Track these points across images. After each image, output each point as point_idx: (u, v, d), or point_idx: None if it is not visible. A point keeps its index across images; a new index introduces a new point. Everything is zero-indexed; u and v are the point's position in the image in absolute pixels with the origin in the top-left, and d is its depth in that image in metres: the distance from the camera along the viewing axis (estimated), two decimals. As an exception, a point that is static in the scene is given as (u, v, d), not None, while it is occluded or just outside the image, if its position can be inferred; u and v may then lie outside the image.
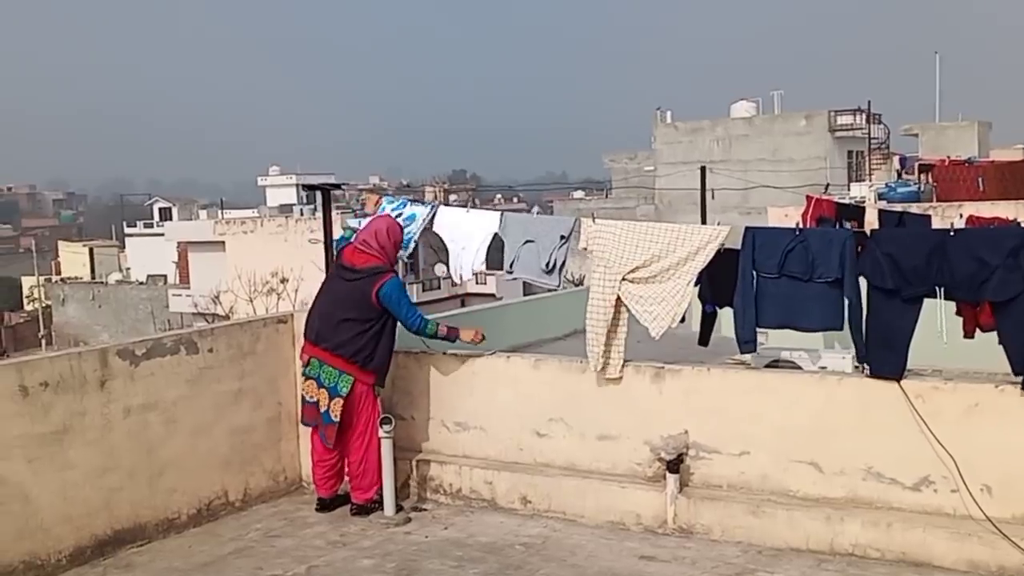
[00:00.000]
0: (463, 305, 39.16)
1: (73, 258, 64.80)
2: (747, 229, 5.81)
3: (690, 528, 5.50)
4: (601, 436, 5.89)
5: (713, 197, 27.65)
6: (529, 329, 10.80)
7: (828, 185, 28.69)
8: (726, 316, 6.34)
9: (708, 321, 6.48)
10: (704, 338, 6.58)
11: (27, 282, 60.92)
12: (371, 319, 5.83)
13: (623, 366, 5.82)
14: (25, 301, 60.67)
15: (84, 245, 67.36)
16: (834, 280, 5.49)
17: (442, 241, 6.84)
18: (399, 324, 5.94)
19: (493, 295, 40.28)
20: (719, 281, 6.00)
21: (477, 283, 43.29)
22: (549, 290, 7.47)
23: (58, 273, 61.96)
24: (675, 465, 5.53)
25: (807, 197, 10.45)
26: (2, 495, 4.93)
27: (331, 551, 5.44)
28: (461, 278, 7.12)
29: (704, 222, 18.08)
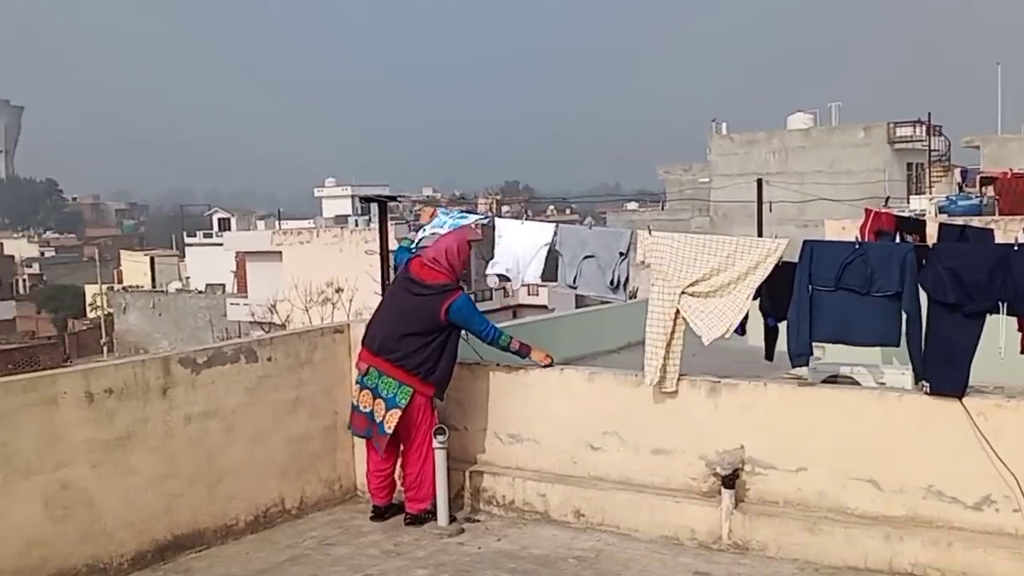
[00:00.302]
0: (515, 316, 39.22)
1: (135, 267, 66.15)
2: (805, 242, 5.75)
3: (745, 544, 5.44)
4: (656, 450, 5.86)
5: (771, 210, 27.36)
6: (583, 341, 10.78)
7: (888, 198, 28.22)
8: (784, 330, 6.28)
9: (771, 335, 6.42)
10: (769, 352, 6.51)
11: (90, 290, 62.29)
12: (436, 335, 5.90)
13: (679, 380, 5.79)
14: (88, 309, 62.03)
15: (145, 254, 68.72)
16: (893, 294, 5.41)
17: (492, 250, 6.90)
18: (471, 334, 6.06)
19: (545, 307, 40.27)
20: (779, 295, 5.94)
21: (529, 294, 43.34)
22: (602, 302, 7.46)
23: (120, 281, 63.25)
24: (731, 480, 5.48)
25: (866, 210, 10.30)
26: (67, 499, 5.06)
27: (385, 560, 5.48)
28: (503, 279, 7.13)
29: (760, 235, 17.90)
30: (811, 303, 5.62)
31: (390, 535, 5.87)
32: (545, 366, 6.16)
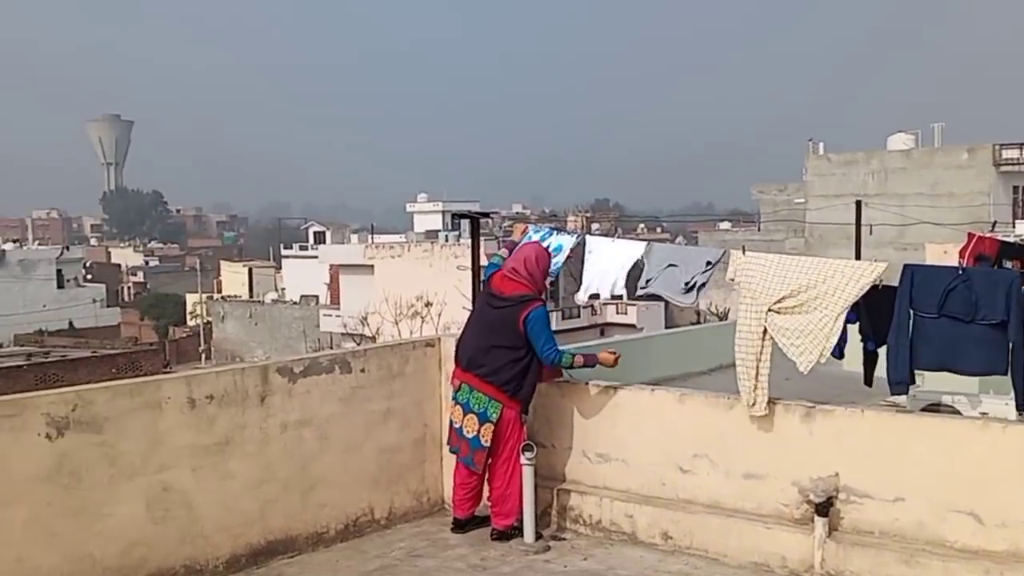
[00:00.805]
0: (602, 334, 39.04)
1: (233, 277, 68.09)
2: (905, 266, 5.61)
3: (838, 574, 5.30)
4: (747, 475, 5.76)
5: (871, 232, 26.68)
6: (673, 362, 10.67)
7: (996, 223, 27.23)
8: (884, 356, 6.12)
9: (870, 360, 6.27)
10: (868, 378, 6.35)
11: (191, 299, 64.41)
12: (521, 347, 5.91)
13: (769, 403, 5.69)
14: (188, 317, 64.12)
15: (244, 265, 70.67)
16: (999, 322, 5.23)
17: (582, 266, 6.90)
18: None
19: (633, 325, 40.01)
20: (879, 319, 5.81)
21: (617, 312, 43.12)
22: (695, 322, 7.37)
23: (219, 291, 65.18)
24: (824, 508, 5.36)
25: (968, 234, 9.98)
26: (168, 501, 5.23)
27: (471, 574, 5.51)
28: (593, 297, 7.14)
29: (859, 257, 17.48)
30: (912, 329, 5.47)
31: (476, 549, 5.90)
32: (613, 365, 6.09)
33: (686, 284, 6.22)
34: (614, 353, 6.13)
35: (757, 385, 5.66)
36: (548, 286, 7.14)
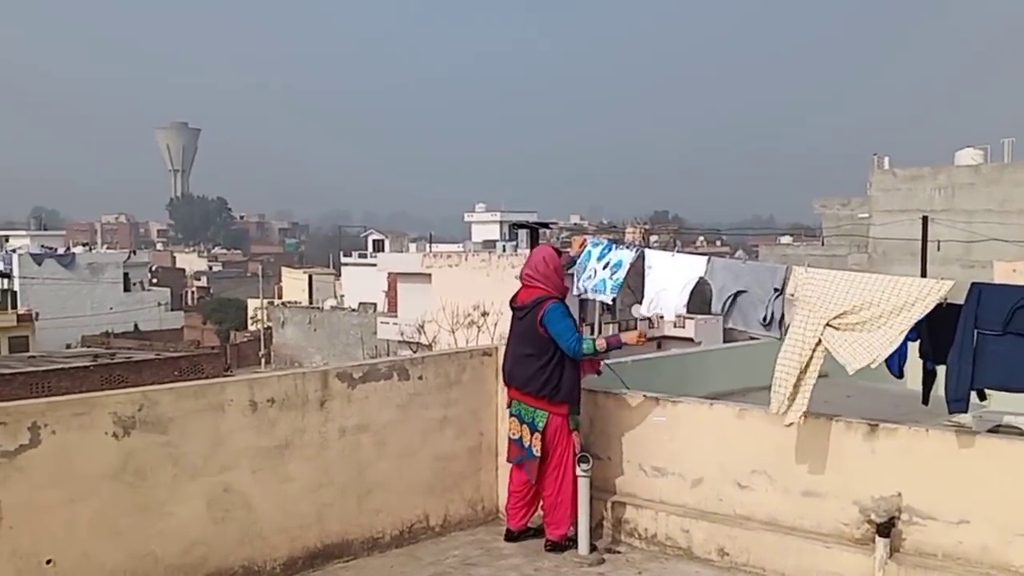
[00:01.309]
0: (659, 348, 38.78)
1: (294, 283, 69.08)
2: (973, 284, 5.48)
3: (899, 597, 5.19)
4: (806, 492, 5.67)
5: (938, 249, 26.12)
6: (732, 377, 10.53)
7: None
8: (943, 376, 5.96)
9: (929, 379, 6.13)
10: (926, 396, 6.22)
11: (252, 304, 65.41)
12: (547, 350, 5.93)
13: (804, 415, 5.56)
14: (249, 321, 65.11)
15: (304, 272, 71.63)
16: (1069, 342, 5.08)
17: (641, 281, 6.84)
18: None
19: (691, 339, 39.66)
20: (940, 337, 5.67)
21: (675, 326, 42.76)
22: (751, 337, 7.27)
23: (280, 297, 66.18)
24: (886, 529, 5.25)
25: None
26: (228, 502, 5.32)
27: (525, 584, 5.51)
28: (657, 317, 7.10)
29: (924, 274, 17.14)
30: (975, 347, 5.34)
31: (530, 560, 5.89)
32: (639, 342, 6.29)
33: (763, 320, 6.13)
34: (638, 331, 6.41)
35: (796, 395, 5.55)
36: (608, 304, 7.11)
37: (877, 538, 5.26)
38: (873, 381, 6.43)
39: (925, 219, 20.95)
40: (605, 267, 6.74)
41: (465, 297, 37.35)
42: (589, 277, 6.82)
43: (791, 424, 5.57)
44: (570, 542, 5.96)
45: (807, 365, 5.57)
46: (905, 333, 5.44)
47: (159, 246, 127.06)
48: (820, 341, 5.56)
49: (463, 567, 5.79)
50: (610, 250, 6.94)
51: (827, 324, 5.54)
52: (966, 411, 5.61)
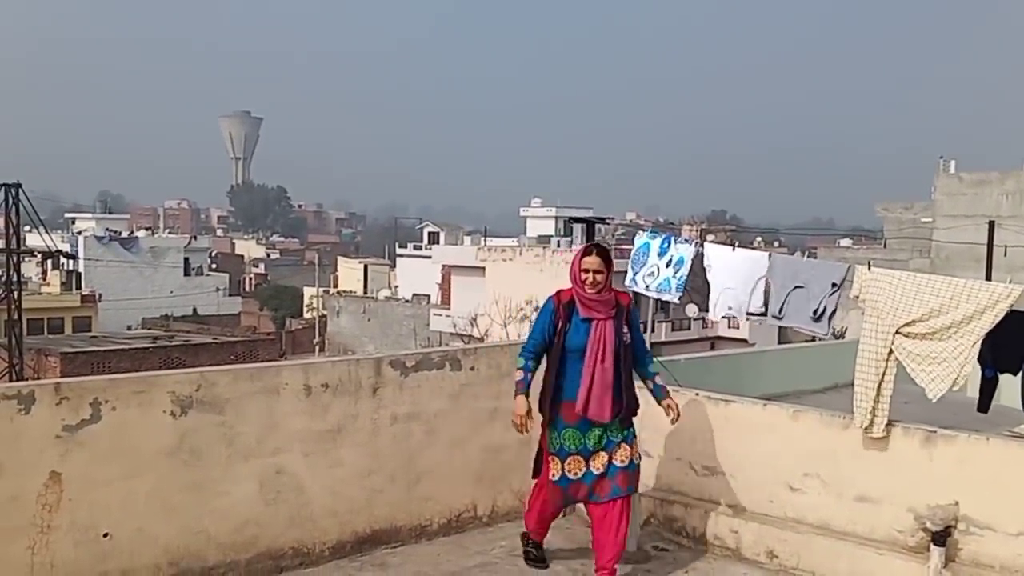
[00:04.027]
0: (713, 348, 38.42)
1: (349, 273, 69.78)
2: (1043, 290, 5.34)
3: (954, 608, 5.08)
4: (859, 497, 5.58)
5: (1005, 254, 25.46)
6: (786, 379, 10.43)
7: None
8: (1006, 383, 5.84)
9: (989, 387, 6.01)
10: (984, 405, 6.10)
11: (308, 292, 66.29)
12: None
13: (887, 425, 5.50)
14: (305, 309, 65.98)
15: (360, 262, 72.33)
16: None
17: (701, 280, 6.75)
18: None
19: (745, 340, 39.23)
20: (1003, 344, 5.55)
21: (729, 327, 42.34)
22: (811, 339, 7.17)
23: (335, 286, 66.88)
24: (941, 538, 5.14)
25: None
26: (280, 484, 5.39)
27: (571, 578, 5.50)
28: (721, 318, 6.96)
29: (989, 279, 16.71)
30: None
31: (577, 553, 5.87)
32: (514, 423, 5.23)
33: (815, 312, 6.03)
34: (520, 418, 5.21)
35: (877, 407, 5.48)
36: (664, 301, 6.88)
37: (932, 547, 5.16)
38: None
39: (992, 224, 20.47)
40: (668, 264, 6.68)
41: (518, 291, 37.38)
42: (652, 275, 6.75)
43: (884, 438, 5.47)
44: None
45: (883, 375, 5.49)
46: (978, 344, 5.31)
47: (219, 232, 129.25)
48: (891, 351, 5.46)
49: (509, 558, 5.80)
50: (669, 244, 6.88)
51: (897, 332, 5.44)
52: None
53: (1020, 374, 5.43)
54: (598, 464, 5.21)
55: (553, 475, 5.27)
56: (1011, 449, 5.23)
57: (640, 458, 5.37)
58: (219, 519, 5.16)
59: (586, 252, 5.27)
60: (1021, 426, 7.53)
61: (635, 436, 5.33)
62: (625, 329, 5.25)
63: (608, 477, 5.19)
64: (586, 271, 5.20)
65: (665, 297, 6.74)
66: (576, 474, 5.22)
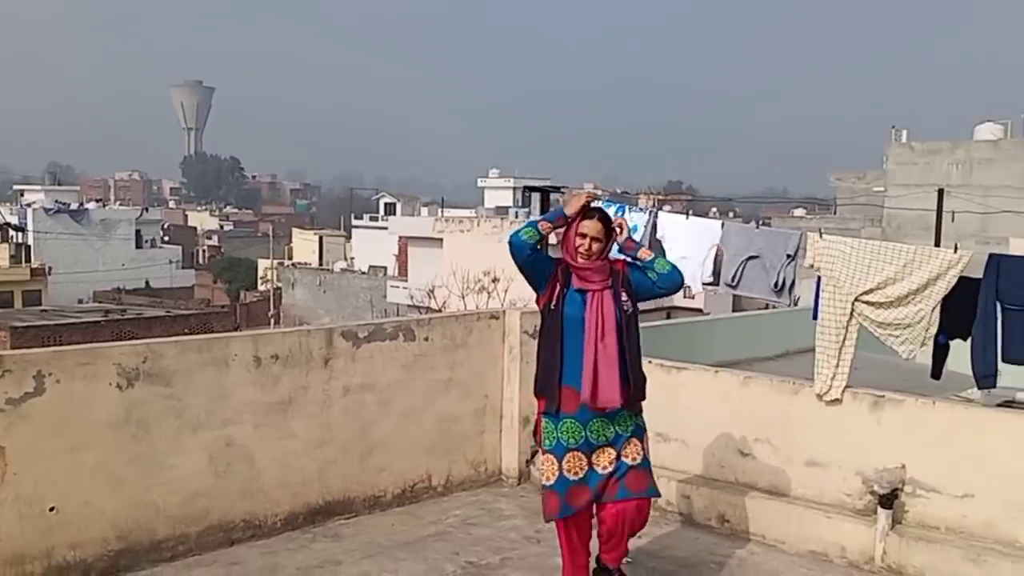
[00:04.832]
0: (668, 317, 38.70)
1: (304, 245, 69.10)
2: (991, 256, 5.43)
3: (900, 569, 5.18)
4: (809, 462, 5.66)
5: (952, 220, 25.88)
6: (739, 346, 10.53)
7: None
8: (955, 349, 5.92)
9: (941, 353, 6.09)
10: (936, 371, 6.18)
11: (263, 264, 65.52)
12: None
13: (843, 391, 5.57)
14: (259, 282, 65.24)
15: (315, 233, 71.59)
16: (1087, 318, 5.03)
17: (660, 249, 6.76)
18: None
19: (700, 310, 39.55)
20: (953, 311, 5.63)
21: (685, 296, 42.65)
22: (764, 307, 7.23)
23: (290, 258, 66.21)
24: (888, 500, 5.23)
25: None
26: (231, 456, 5.33)
27: (525, 546, 5.52)
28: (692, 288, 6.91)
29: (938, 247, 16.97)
30: (999, 321, 5.30)
31: (532, 521, 5.89)
32: (585, 204, 4.46)
33: (775, 284, 6.08)
34: (586, 194, 4.61)
35: (836, 373, 5.56)
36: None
37: (879, 509, 5.25)
38: (882, 354, 6.39)
39: (941, 192, 20.78)
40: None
41: (476, 262, 37.26)
42: None
43: (834, 403, 5.55)
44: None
45: (843, 340, 5.56)
46: (938, 308, 5.42)
47: (171, 204, 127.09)
48: (852, 317, 5.54)
49: (464, 527, 5.81)
50: (624, 213, 6.88)
51: (856, 300, 5.51)
52: (995, 386, 5.60)
53: (970, 339, 5.52)
54: (604, 462, 4.41)
55: (548, 479, 4.42)
56: (957, 413, 5.32)
57: (650, 455, 4.57)
58: (168, 492, 5.09)
59: (585, 215, 4.45)
60: (968, 390, 7.67)
61: (645, 429, 4.55)
62: (625, 297, 4.44)
63: (617, 477, 4.41)
64: (583, 236, 4.41)
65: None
66: (577, 474, 4.37)
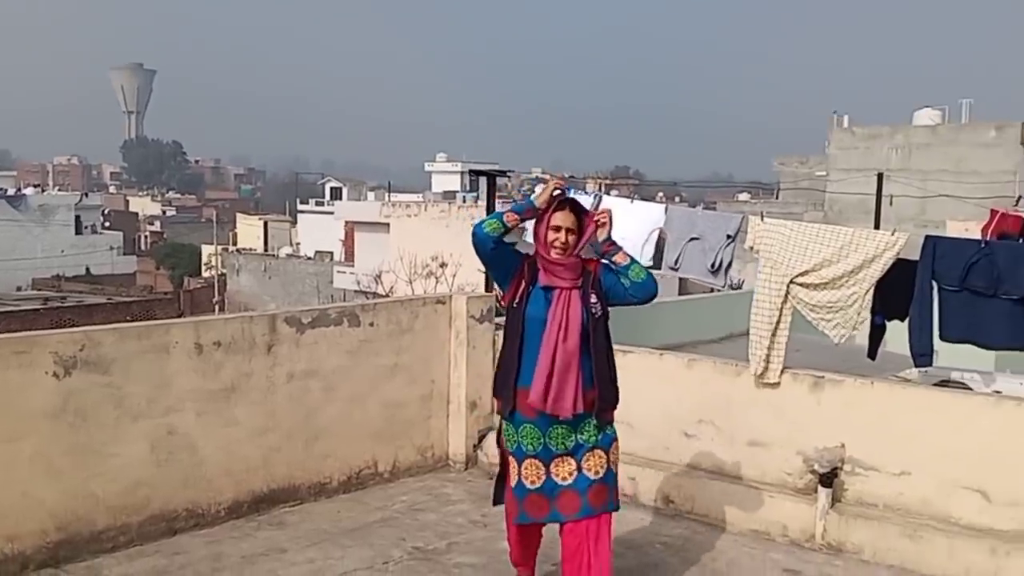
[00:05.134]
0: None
1: (249, 230, 68.22)
2: (927, 237, 5.54)
3: (840, 546, 5.29)
4: (752, 442, 5.74)
5: (891, 204, 26.36)
6: (684, 329, 10.65)
7: (1021, 198, 26.88)
8: (893, 330, 6.04)
9: (877, 334, 6.21)
10: (872, 351, 6.31)
11: (206, 250, 64.55)
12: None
13: (782, 372, 5.66)
14: (203, 268, 64.29)
15: (260, 219, 70.73)
16: (1020, 298, 5.16)
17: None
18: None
19: (647, 293, 39.86)
20: (890, 292, 5.74)
21: (632, 280, 42.94)
22: (710, 291, 7.31)
23: (234, 244, 65.33)
24: (828, 479, 5.33)
25: (991, 210, 9.83)
26: (172, 444, 5.25)
27: (471, 530, 5.53)
28: None
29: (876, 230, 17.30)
30: (935, 302, 5.42)
31: (478, 506, 5.90)
32: (555, 190, 4.19)
33: (712, 265, 6.13)
34: (555, 181, 4.35)
35: (771, 355, 5.63)
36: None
37: (820, 488, 5.35)
38: (822, 336, 6.50)
39: (880, 176, 21.19)
40: None
41: (424, 247, 37.14)
42: None
43: (776, 384, 5.62)
44: None
45: (777, 323, 5.62)
46: (871, 291, 5.50)
47: (112, 189, 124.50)
48: (787, 299, 5.61)
49: (410, 512, 5.80)
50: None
51: (791, 282, 5.58)
52: (931, 364, 5.72)
53: (907, 320, 5.63)
54: (563, 473, 4.17)
55: (511, 480, 4.26)
56: (895, 392, 5.44)
57: (617, 467, 4.29)
58: (108, 482, 5.00)
59: (557, 207, 4.16)
60: (906, 370, 7.85)
61: (615, 439, 4.27)
62: (594, 299, 4.16)
63: (576, 490, 4.17)
64: (556, 229, 4.12)
65: None
66: (534, 483, 4.17)
